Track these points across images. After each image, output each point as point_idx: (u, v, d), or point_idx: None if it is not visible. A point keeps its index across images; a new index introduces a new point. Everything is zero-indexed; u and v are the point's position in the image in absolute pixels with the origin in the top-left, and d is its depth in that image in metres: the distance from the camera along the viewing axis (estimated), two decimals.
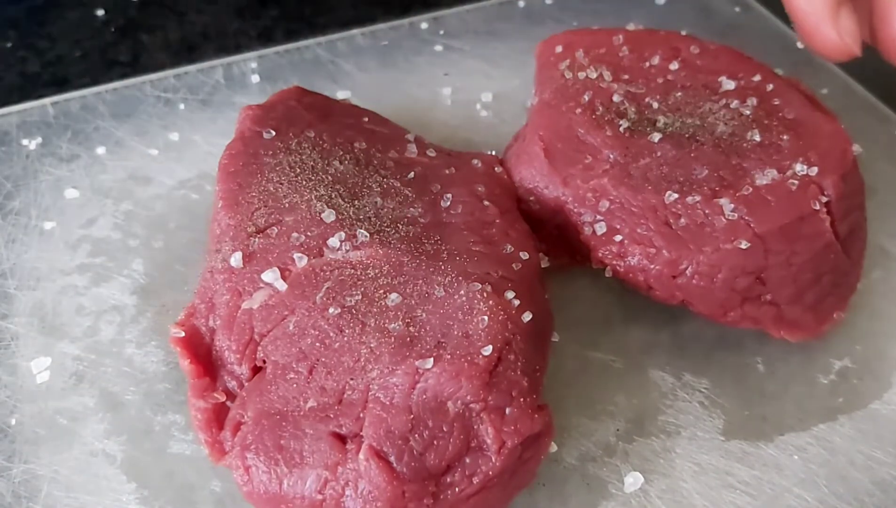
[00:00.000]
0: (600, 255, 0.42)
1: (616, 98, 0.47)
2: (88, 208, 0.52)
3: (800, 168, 0.43)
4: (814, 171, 0.42)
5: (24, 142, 0.56)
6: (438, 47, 0.64)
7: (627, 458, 0.40)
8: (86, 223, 0.51)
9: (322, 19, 0.69)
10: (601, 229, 0.42)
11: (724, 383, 0.44)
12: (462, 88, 0.60)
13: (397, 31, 0.66)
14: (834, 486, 0.40)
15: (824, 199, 0.42)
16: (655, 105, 0.47)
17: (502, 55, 0.63)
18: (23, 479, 0.39)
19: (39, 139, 0.56)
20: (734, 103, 0.46)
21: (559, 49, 0.51)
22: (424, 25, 0.66)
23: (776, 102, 0.47)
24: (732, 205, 0.41)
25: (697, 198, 0.41)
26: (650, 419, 0.42)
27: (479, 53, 0.64)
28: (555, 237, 0.45)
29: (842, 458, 0.41)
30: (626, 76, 0.49)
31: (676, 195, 0.42)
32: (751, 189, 0.42)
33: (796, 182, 0.42)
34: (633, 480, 0.39)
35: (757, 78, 0.48)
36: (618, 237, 0.42)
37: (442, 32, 0.66)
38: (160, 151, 0.55)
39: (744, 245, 0.40)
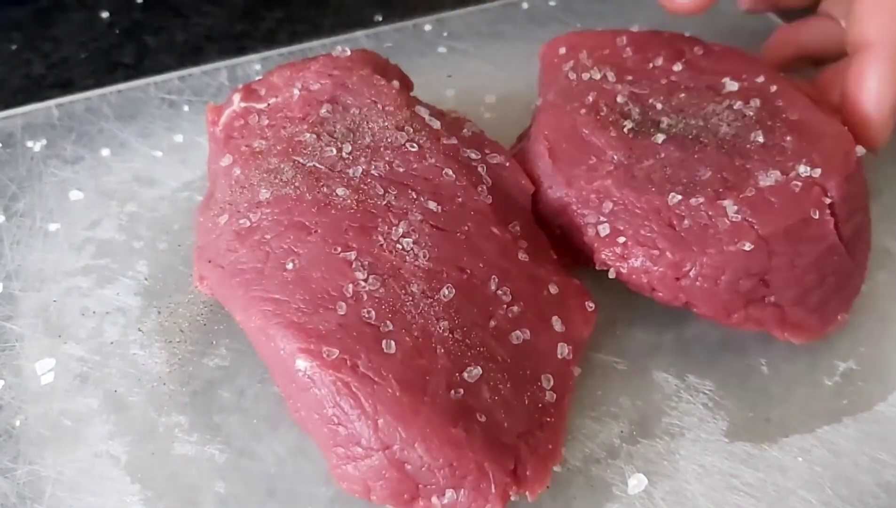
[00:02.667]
0: (603, 257, 0.42)
1: (620, 99, 0.47)
2: (93, 209, 0.52)
3: (803, 170, 0.42)
4: (817, 172, 0.42)
5: (29, 144, 0.56)
6: (442, 49, 0.64)
7: (631, 460, 0.40)
8: (90, 225, 0.51)
9: (326, 21, 0.69)
10: (604, 230, 0.42)
11: (728, 385, 0.44)
12: (466, 90, 0.60)
13: (401, 33, 0.66)
14: (838, 488, 0.40)
15: (828, 200, 0.42)
16: (659, 106, 0.47)
17: (506, 57, 0.63)
18: (27, 480, 0.39)
19: (44, 141, 0.56)
20: (737, 105, 0.46)
21: (563, 50, 0.51)
22: (428, 27, 0.66)
23: (780, 103, 0.47)
24: (736, 207, 0.41)
25: (701, 200, 0.41)
26: (654, 421, 0.42)
27: (483, 55, 0.64)
28: (558, 238, 0.45)
29: (846, 460, 0.41)
30: (630, 77, 0.49)
31: (680, 197, 0.42)
32: (754, 191, 0.42)
33: (800, 184, 0.42)
34: (636, 482, 0.39)
35: (760, 79, 0.48)
36: (621, 239, 0.42)
37: (446, 34, 0.66)
38: (164, 153, 0.55)
39: (747, 247, 0.40)
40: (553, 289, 0.41)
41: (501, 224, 0.42)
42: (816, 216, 0.41)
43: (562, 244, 0.45)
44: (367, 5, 0.70)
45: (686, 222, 0.41)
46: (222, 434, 0.41)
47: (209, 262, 0.40)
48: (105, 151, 0.55)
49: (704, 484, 0.40)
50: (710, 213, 0.41)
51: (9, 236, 0.50)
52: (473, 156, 0.45)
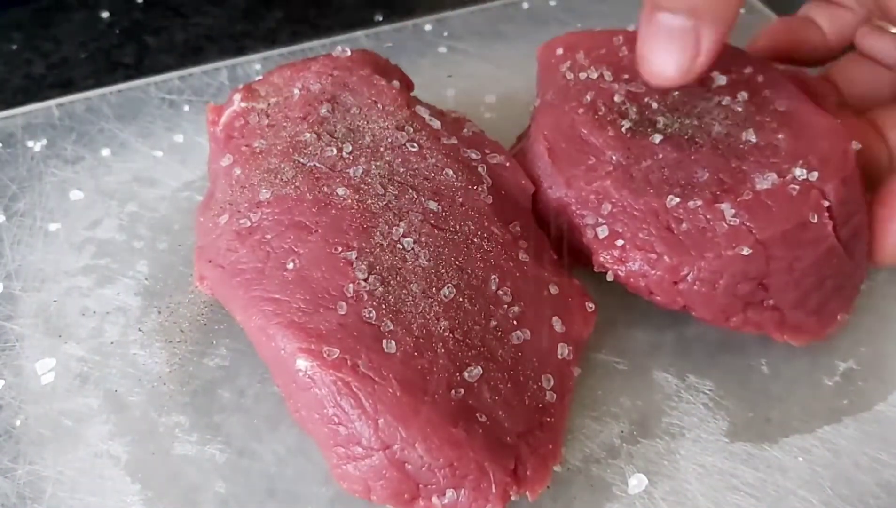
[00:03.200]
0: (601, 259, 0.42)
1: (617, 98, 0.47)
2: (93, 209, 0.52)
3: (800, 173, 0.42)
4: (814, 176, 0.42)
5: (30, 144, 0.56)
6: (442, 49, 0.64)
7: (632, 460, 0.40)
8: (90, 225, 0.51)
9: (326, 21, 0.69)
10: (603, 232, 0.42)
11: (728, 384, 0.44)
12: (466, 90, 0.60)
13: (401, 33, 0.66)
14: (839, 488, 0.40)
15: (826, 204, 0.42)
16: (655, 105, 0.46)
17: (506, 57, 0.63)
18: (27, 480, 0.39)
19: (44, 141, 0.56)
20: (726, 100, 0.46)
21: (560, 51, 0.51)
22: (428, 27, 0.66)
23: (767, 94, 0.46)
24: (734, 210, 0.41)
25: (699, 202, 0.41)
26: (654, 421, 0.42)
27: (484, 55, 0.64)
28: (557, 238, 0.45)
29: (846, 460, 0.41)
30: (626, 76, 0.48)
31: (678, 199, 0.42)
32: (751, 194, 0.41)
33: (797, 187, 0.42)
34: (637, 482, 0.39)
35: (748, 70, 0.47)
36: (619, 242, 0.42)
37: (446, 34, 0.66)
38: (165, 153, 0.55)
39: (745, 251, 0.40)
40: (553, 289, 0.41)
41: (502, 224, 0.42)
42: (815, 220, 0.41)
43: (561, 244, 0.45)
44: (367, 5, 0.71)
45: (684, 225, 0.41)
46: (222, 434, 0.41)
47: (209, 262, 0.40)
48: (105, 151, 0.55)
49: (705, 484, 0.40)
50: (707, 216, 0.41)
51: (9, 235, 0.50)
52: (474, 156, 0.45)
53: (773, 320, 0.42)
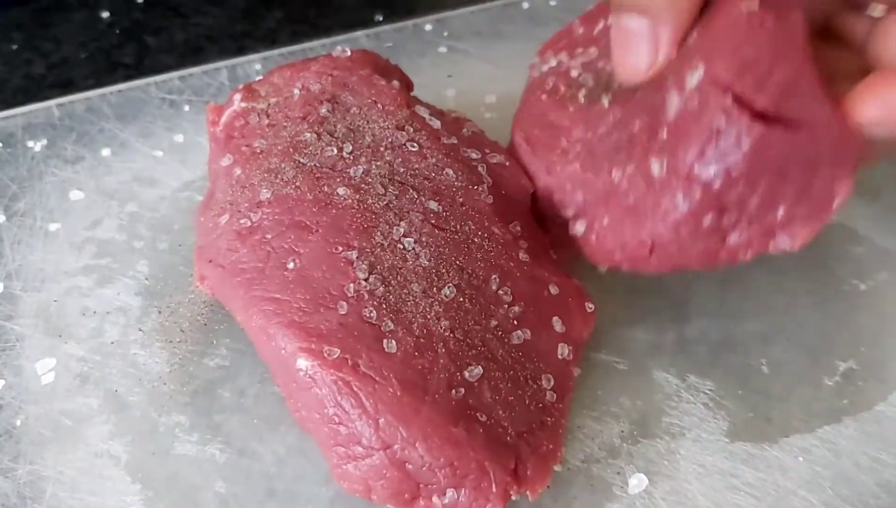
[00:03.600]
0: (587, 254, 0.42)
1: (574, 73, 0.46)
2: (93, 209, 0.52)
3: (690, 79, 0.37)
4: (699, 72, 0.36)
5: (30, 144, 0.56)
6: (443, 49, 0.64)
7: (632, 460, 0.40)
8: (91, 225, 0.51)
9: (326, 21, 0.69)
10: (581, 228, 0.42)
11: (728, 384, 0.44)
12: (466, 90, 0.60)
13: (401, 33, 0.66)
14: (839, 488, 0.40)
15: (727, 97, 0.35)
16: (608, 67, 0.44)
17: (506, 57, 0.63)
18: (28, 480, 0.39)
19: (45, 141, 0.56)
20: None
21: (536, 60, 0.52)
22: (428, 27, 0.66)
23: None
24: (659, 161, 0.38)
25: (632, 166, 0.39)
26: (654, 421, 0.42)
27: (484, 55, 0.64)
28: (558, 229, 0.44)
29: (847, 460, 0.41)
30: (580, 49, 0.48)
31: (620, 172, 0.40)
32: (666, 132, 0.38)
33: (696, 97, 0.37)
34: (637, 482, 0.39)
35: None
36: (593, 236, 0.41)
37: (446, 34, 0.66)
38: (165, 153, 0.55)
39: (681, 199, 0.37)
40: (553, 289, 0.41)
41: (502, 224, 0.42)
42: (723, 123, 0.35)
43: (556, 238, 0.45)
44: (368, 5, 0.71)
45: (630, 198, 0.39)
46: (223, 434, 0.41)
47: (210, 262, 0.40)
48: (105, 151, 0.55)
49: (705, 484, 0.40)
50: (643, 179, 0.39)
51: (9, 235, 0.50)
52: (474, 155, 0.45)
53: (757, 233, 0.38)
